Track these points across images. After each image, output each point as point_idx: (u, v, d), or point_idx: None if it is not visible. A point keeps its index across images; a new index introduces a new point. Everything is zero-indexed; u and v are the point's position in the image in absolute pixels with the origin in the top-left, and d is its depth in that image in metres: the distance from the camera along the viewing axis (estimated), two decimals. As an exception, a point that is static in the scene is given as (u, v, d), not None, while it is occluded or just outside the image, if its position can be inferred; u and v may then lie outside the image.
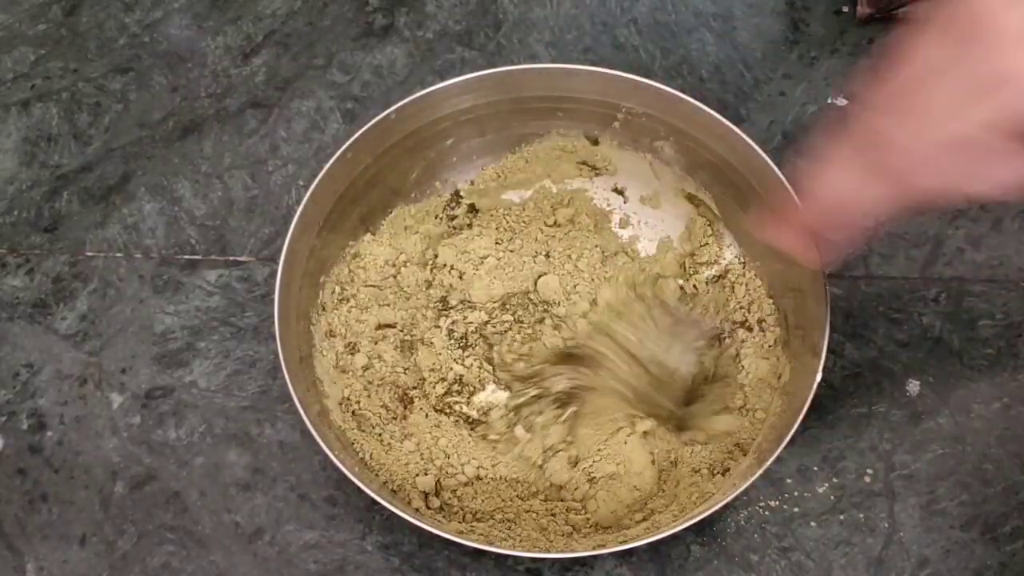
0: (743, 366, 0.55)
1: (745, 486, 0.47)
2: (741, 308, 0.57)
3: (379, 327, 0.58)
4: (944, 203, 0.39)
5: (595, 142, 0.61)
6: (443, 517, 0.53)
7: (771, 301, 0.56)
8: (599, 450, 0.54)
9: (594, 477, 0.54)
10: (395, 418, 0.56)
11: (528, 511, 0.54)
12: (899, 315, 0.60)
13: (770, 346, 0.55)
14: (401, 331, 0.59)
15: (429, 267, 0.60)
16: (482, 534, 0.52)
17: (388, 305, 0.59)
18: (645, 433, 0.55)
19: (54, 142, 0.68)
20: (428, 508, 0.53)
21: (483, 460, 0.55)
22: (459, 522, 0.52)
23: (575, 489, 0.54)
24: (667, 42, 0.69)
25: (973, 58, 0.34)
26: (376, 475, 0.53)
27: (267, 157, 0.66)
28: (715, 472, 0.53)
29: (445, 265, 0.60)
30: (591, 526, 0.53)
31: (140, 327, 0.61)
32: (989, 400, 0.57)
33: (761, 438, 0.52)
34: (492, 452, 0.55)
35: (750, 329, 0.57)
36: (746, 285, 0.58)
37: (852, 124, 0.39)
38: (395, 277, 0.60)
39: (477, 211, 0.62)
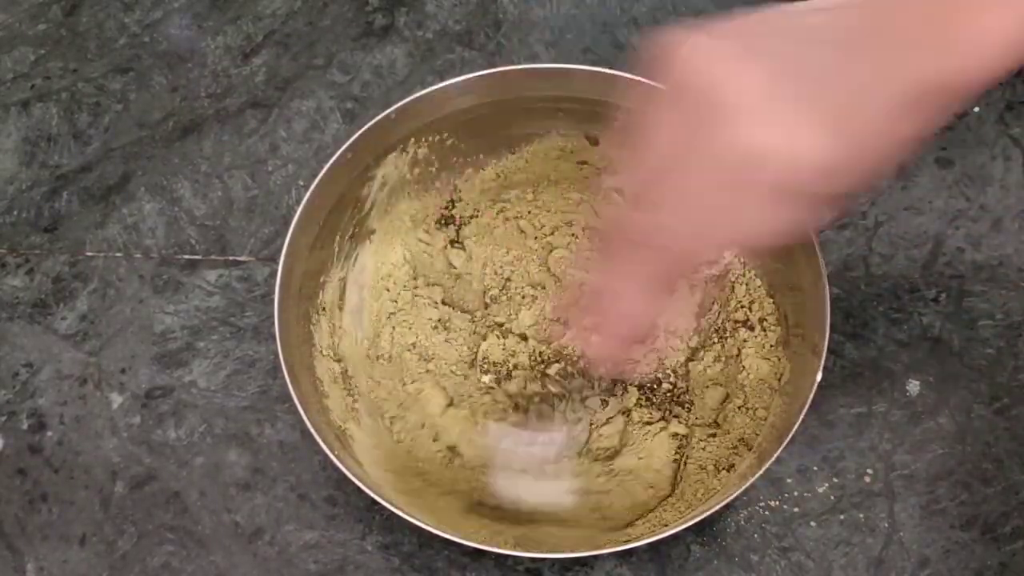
0: (744, 366, 0.55)
1: (745, 486, 0.47)
2: (742, 307, 0.57)
3: (379, 327, 0.58)
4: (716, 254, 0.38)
5: (595, 142, 0.61)
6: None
7: (772, 300, 0.56)
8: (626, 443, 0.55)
9: (613, 470, 0.54)
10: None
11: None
12: (899, 315, 0.60)
13: (771, 346, 0.55)
14: (401, 330, 0.59)
15: (429, 266, 0.60)
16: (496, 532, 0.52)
17: (387, 304, 0.59)
18: (675, 434, 0.55)
19: (54, 142, 0.68)
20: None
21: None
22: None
23: (596, 477, 0.54)
24: (667, 42, 0.69)
25: (715, 144, 0.32)
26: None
27: (267, 157, 0.66)
28: (720, 468, 0.53)
29: (445, 264, 0.60)
30: (599, 523, 0.53)
31: (140, 327, 0.61)
32: (989, 400, 0.57)
33: (762, 438, 0.52)
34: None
35: (751, 328, 0.57)
36: (746, 284, 0.58)
37: (615, 222, 0.37)
38: (395, 277, 0.60)
39: (476, 212, 0.62)
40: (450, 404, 0.57)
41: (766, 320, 0.56)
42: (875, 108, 0.32)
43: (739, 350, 0.56)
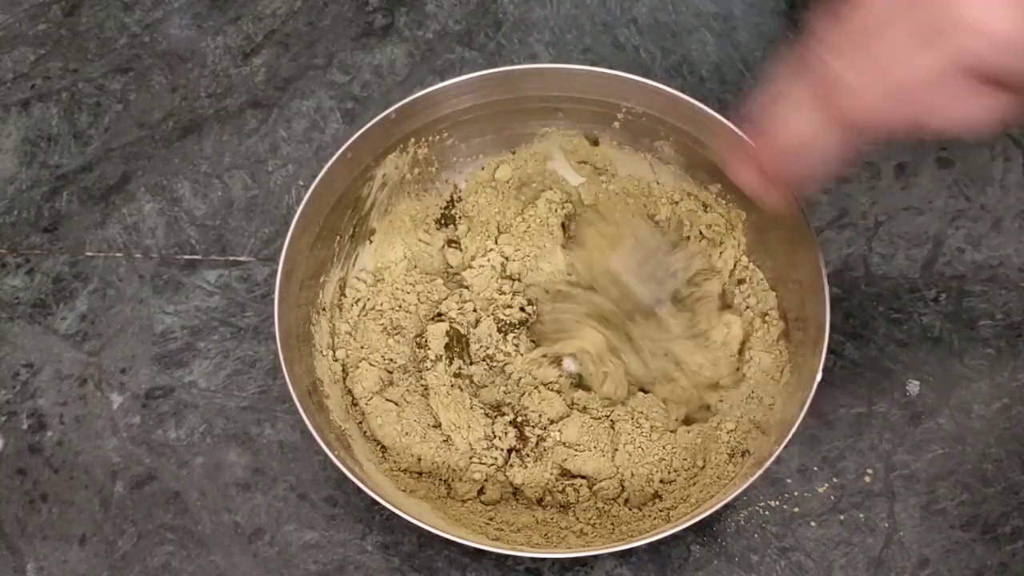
0: (749, 357, 0.56)
1: (745, 486, 0.47)
2: (746, 300, 0.57)
3: (378, 326, 0.58)
4: (906, 137, 0.39)
5: (595, 142, 0.61)
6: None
7: (774, 294, 0.56)
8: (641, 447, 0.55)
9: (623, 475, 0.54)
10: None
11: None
12: (899, 315, 0.60)
13: (774, 340, 0.55)
14: (401, 329, 0.59)
15: (428, 266, 0.60)
16: (498, 529, 0.52)
17: (387, 303, 0.59)
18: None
19: (54, 142, 0.68)
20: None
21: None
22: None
23: (611, 477, 0.54)
24: (667, 42, 0.69)
25: (924, 3, 0.35)
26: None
27: (267, 157, 0.66)
28: (735, 455, 0.53)
29: (444, 263, 0.60)
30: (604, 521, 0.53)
31: (140, 327, 0.61)
32: (989, 400, 0.57)
33: (772, 424, 0.52)
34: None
35: (752, 323, 0.57)
36: (749, 279, 0.58)
37: (808, 64, 0.39)
38: (395, 277, 0.60)
39: (475, 212, 0.62)
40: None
41: (768, 314, 0.56)
42: None
43: (745, 340, 0.56)
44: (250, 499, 0.57)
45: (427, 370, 0.56)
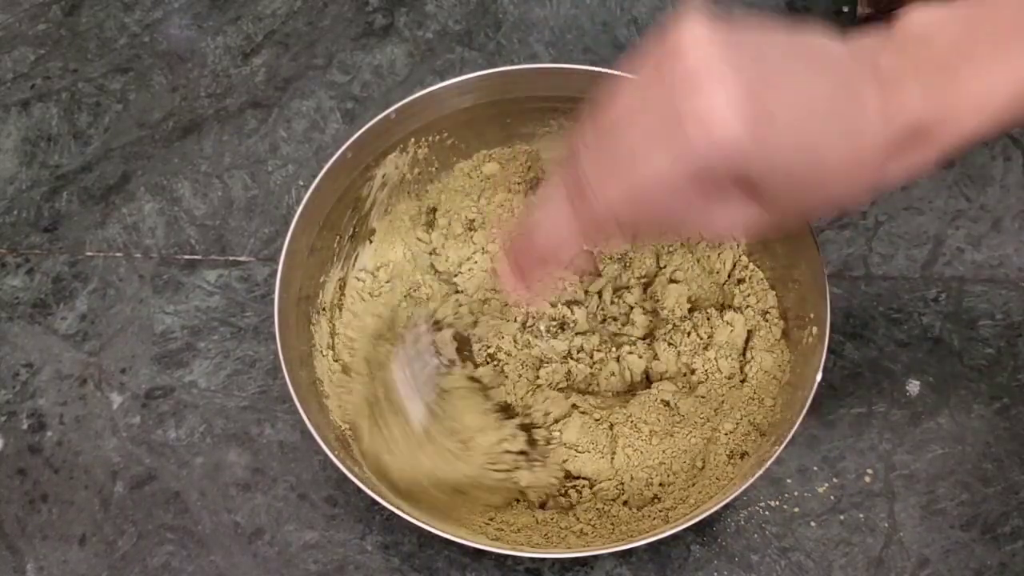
0: (751, 357, 0.56)
1: (745, 486, 0.47)
2: (746, 300, 0.57)
3: (379, 325, 0.58)
4: (666, 237, 0.38)
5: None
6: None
7: (774, 293, 0.56)
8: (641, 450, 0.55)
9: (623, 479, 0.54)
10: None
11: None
12: (899, 315, 0.60)
13: (776, 340, 0.55)
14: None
15: (428, 265, 0.60)
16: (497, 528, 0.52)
17: (387, 303, 0.59)
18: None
19: (54, 142, 0.68)
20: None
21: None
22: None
23: (611, 479, 0.54)
24: (667, 42, 0.69)
25: (659, 99, 0.33)
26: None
27: (267, 157, 0.66)
28: (734, 456, 0.53)
29: (445, 262, 0.60)
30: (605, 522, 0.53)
31: (140, 327, 0.61)
32: (989, 400, 0.57)
33: (774, 423, 0.52)
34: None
35: (754, 322, 0.57)
36: (749, 278, 0.58)
37: (570, 158, 0.37)
38: (395, 276, 0.60)
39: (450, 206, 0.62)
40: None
41: (769, 313, 0.56)
42: (840, 131, 0.33)
43: (749, 337, 0.56)
44: (250, 499, 0.57)
45: (442, 375, 0.56)
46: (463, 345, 0.57)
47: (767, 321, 0.56)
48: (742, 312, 0.57)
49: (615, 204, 0.35)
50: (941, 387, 0.58)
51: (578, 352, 0.58)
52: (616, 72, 0.56)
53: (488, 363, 0.57)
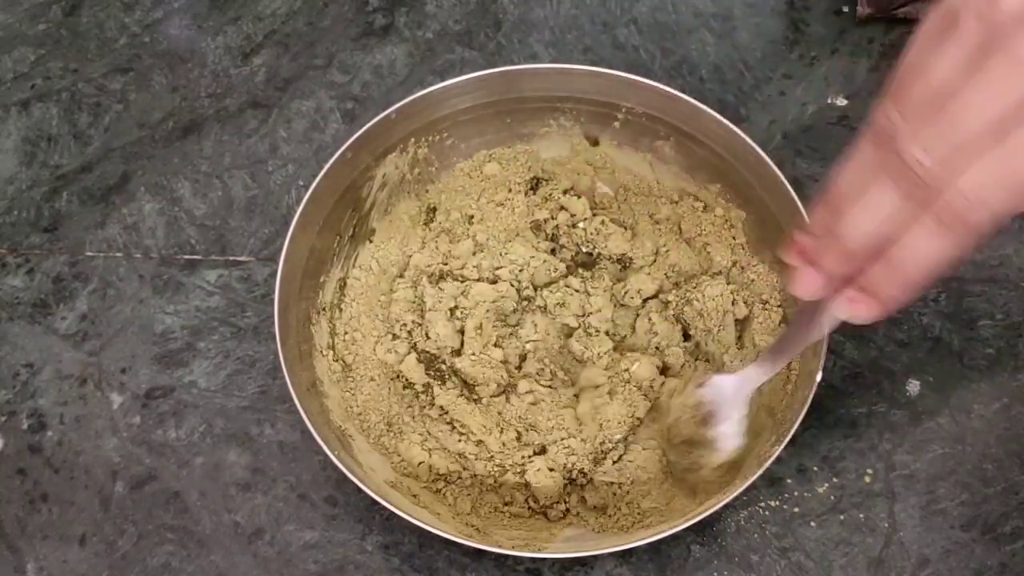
0: (754, 343, 0.56)
1: (745, 486, 0.47)
2: (746, 289, 0.57)
3: (380, 325, 0.58)
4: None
5: (595, 142, 0.61)
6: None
7: (774, 277, 0.56)
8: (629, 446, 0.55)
9: (626, 479, 0.54)
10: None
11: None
12: (899, 315, 0.60)
13: (775, 326, 0.55)
14: (404, 328, 0.59)
15: (428, 265, 0.60)
16: (477, 528, 0.52)
17: (388, 303, 0.59)
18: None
19: (54, 142, 0.68)
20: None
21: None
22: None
23: (610, 484, 0.54)
24: (667, 42, 0.69)
25: (1001, 63, 0.29)
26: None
27: (267, 157, 0.66)
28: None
29: (445, 262, 0.60)
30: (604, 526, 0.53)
31: (140, 327, 0.61)
32: (989, 400, 0.57)
33: (782, 408, 0.52)
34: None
35: (752, 309, 0.57)
36: (747, 264, 0.58)
37: (884, 146, 0.32)
38: (396, 276, 0.60)
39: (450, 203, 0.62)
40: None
41: (769, 301, 0.56)
42: None
43: (747, 326, 0.56)
44: (250, 499, 0.57)
45: (439, 391, 0.56)
46: (430, 365, 0.57)
47: (766, 308, 0.56)
48: (744, 301, 0.57)
49: (984, 189, 0.30)
50: (941, 387, 0.58)
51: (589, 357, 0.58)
52: (616, 72, 0.56)
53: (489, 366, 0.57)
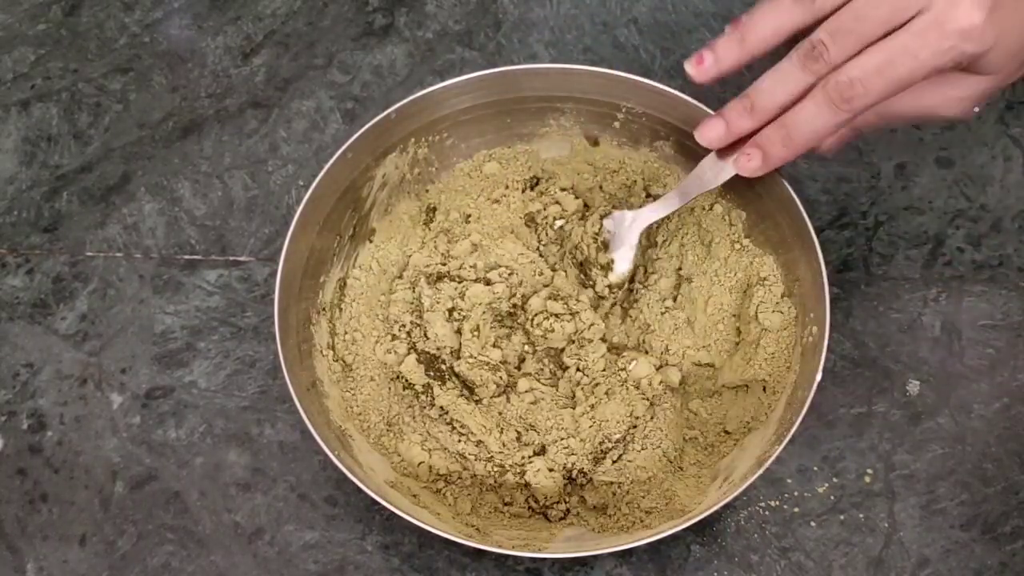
0: (759, 320, 0.55)
1: (745, 486, 0.47)
2: (746, 269, 0.57)
3: (380, 325, 0.58)
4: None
5: (595, 142, 0.61)
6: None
7: (772, 258, 0.56)
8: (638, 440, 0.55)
9: (626, 478, 0.54)
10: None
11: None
12: (899, 315, 0.60)
13: (778, 299, 0.55)
14: (403, 329, 0.59)
15: (427, 265, 0.60)
16: (476, 527, 0.52)
17: (388, 304, 0.59)
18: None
19: (54, 142, 0.68)
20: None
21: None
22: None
23: (609, 484, 0.54)
24: (667, 42, 0.69)
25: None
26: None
27: (267, 157, 0.66)
28: (748, 424, 0.54)
29: (446, 262, 0.60)
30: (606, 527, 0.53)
31: (140, 327, 0.61)
32: (989, 400, 0.57)
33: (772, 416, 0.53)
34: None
35: (752, 289, 0.57)
36: (743, 247, 0.58)
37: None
38: (395, 277, 0.60)
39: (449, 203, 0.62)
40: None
41: (768, 278, 0.56)
42: None
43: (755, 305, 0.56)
44: (250, 499, 0.57)
45: (440, 391, 0.56)
46: (430, 365, 0.57)
47: (765, 285, 0.56)
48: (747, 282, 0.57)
49: (866, 76, 0.40)
50: (941, 387, 0.58)
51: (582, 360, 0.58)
52: (616, 72, 0.56)
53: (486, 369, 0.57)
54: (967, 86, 0.42)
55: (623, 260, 0.57)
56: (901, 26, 0.40)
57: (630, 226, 0.56)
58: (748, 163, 0.46)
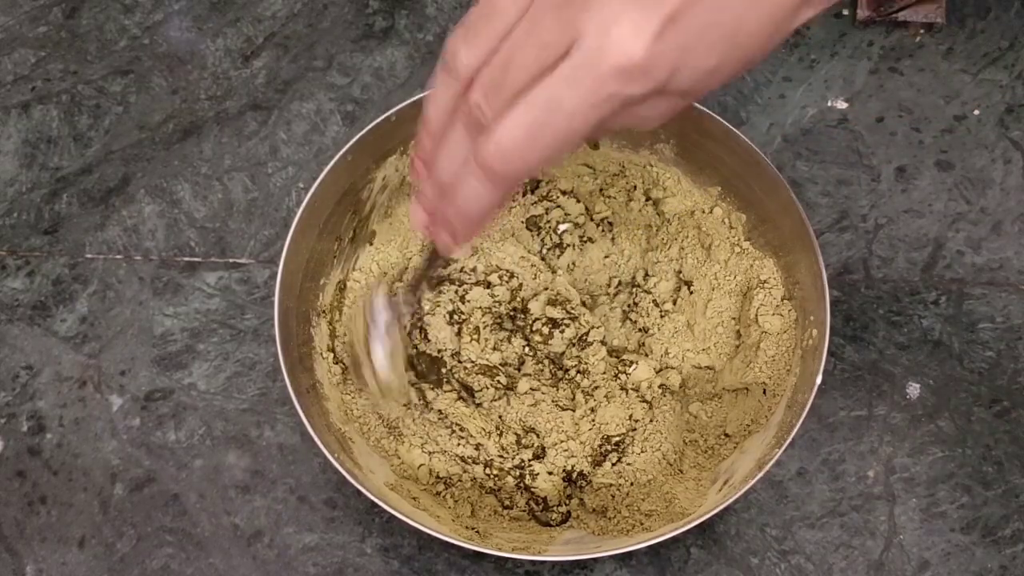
0: (759, 323, 0.56)
1: (745, 489, 0.47)
2: (746, 272, 0.57)
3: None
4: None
5: (595, 145, 0.61)
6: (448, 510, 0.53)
7: (771, 261, 0.56)
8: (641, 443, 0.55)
9: (625, 481, 0.54)
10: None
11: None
12: (899, 318, 0.60)
13: (777, 304, 0.55)
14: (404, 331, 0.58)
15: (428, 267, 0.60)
16: (474, 529, 0.52)
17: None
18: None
19: (54, 144, 0.68)
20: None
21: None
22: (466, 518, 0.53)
23: (609, 487, 0.54)
24: (667, 45, 0.69)
25: (557, 16, 0.30)
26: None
27: (267, 159, 0.66)
28: (749, 427, 0.54)
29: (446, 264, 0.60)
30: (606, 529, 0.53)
31: (140, 329, 0.61)
32: (989, 403, 0.57)
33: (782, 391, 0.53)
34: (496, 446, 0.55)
35: (752, 292, 0.57)
36: (743, 251, 0.58)
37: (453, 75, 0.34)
38: (396, 279, 0.60)
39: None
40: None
41: (768, 281, 0.56)
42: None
43: (756, 310, 0.56)
44: (249, 501, 0.57)
45: (438, 395, 0.56)
46: (432, 368, 0.57)
47: (765, 288, 0.56)
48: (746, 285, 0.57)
49: (514, 141, 0.32)
50: (941, 390, 0.58)
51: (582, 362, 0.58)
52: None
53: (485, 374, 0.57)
54: (656, 106, 0.32)
55: (381, 358, 0.51)
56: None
57: (387, 319, 0.51)
58: (442, 240, 0.39)
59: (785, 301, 0.55)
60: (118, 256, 0.64)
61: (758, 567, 0.54)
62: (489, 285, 0.57)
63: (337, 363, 0.57)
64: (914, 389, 0.58)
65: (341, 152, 0.54)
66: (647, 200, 0.60)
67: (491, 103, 0.32)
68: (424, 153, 0.37)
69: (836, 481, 0.56)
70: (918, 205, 0.63)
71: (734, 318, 0.57)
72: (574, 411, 0.56)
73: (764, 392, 0.54)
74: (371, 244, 0.60)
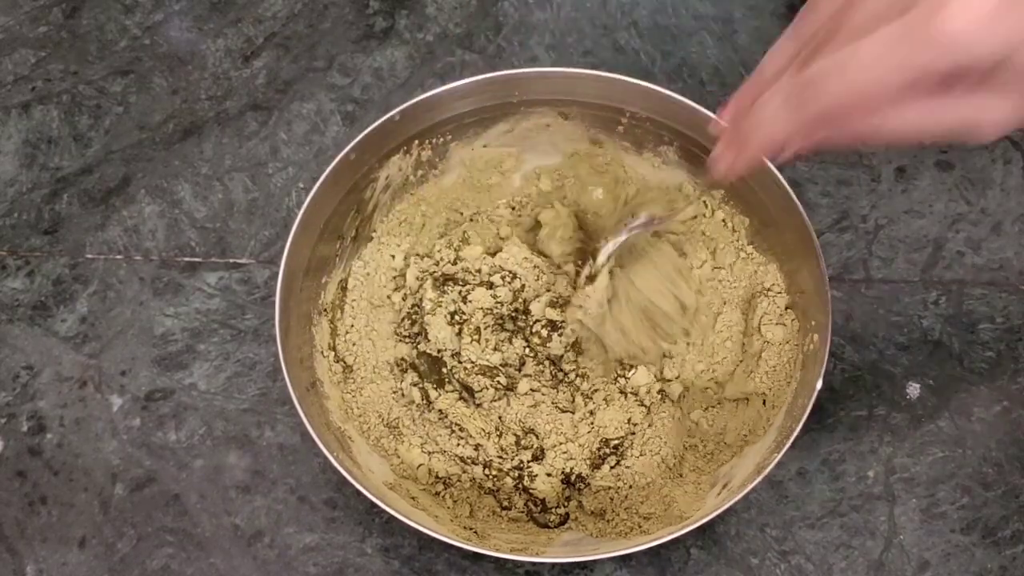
0: (761, 333, 0.56)
1: (746, 491, 0.47)
2: (750, 278, 0.57)
3: (381, 327, 0.58)
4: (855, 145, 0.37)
5: (600, 147, 0.61)
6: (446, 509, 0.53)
7: (775, 266, 0.56)
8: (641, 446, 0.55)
9: (624, 484, 0.54)
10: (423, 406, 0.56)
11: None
12: (899, 318, 0.60)
13: (780, 312, 0.55)
14: (403, 330, 0.59)
15: (428, 268, 0.60)
16: (473, 530, 0.52)
17: (389, 305, 0.59)
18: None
19: (54, 144, 0.68)
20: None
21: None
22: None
23: (608, 489, 0.54)
24: (667, 45, 0.69)
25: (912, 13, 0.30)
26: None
27: (267, 159, 0.66)
28: (745, 436, 0.54)
29: (445, 263, 0.60)
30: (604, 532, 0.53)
31: (140, 329, 0.61)
32: (989, 403, 0.57)
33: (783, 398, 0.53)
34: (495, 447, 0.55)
35: (756, 300, 0.57)
36: (747, 257, 0.58)
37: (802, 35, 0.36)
38: (395, 279, 0.60)
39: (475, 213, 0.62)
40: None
41: (772, 288, 0.56)
42: None
43: (758, 318, 0.56)
44: (250, 501, 0.57)
45: (440, 394, 0.56)
46: (433, 368, 0.57)
47: (769, 296, 0.56)
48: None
49: (826, 73, 0.33)
50: (941, 390, 0.58)
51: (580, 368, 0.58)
52: (616, 76, 0.56)
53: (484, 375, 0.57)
54: (984, 107, 0.32)
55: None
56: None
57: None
58: (724, 163, 0.41)
59: (788, 311, 0.55)
60: (118, 256, 0.64)
61: (758, 567, 0.54)
62: (492, 286, 0.57)
63: (338, 361, 0.57)
64: (914, 389, 0.58)
65: (343, 152, 0.54)
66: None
67: (824, 42, 0.35)
68: (741, 98, 0.40)
69: (836, 481, 0.56)
70: (918, 205, 0.63)
71: (742, 331, 0.57)
72: (573, 413, 0.56)
73: (764, 403, 0.54)
74: (373, 243, 0.60)
